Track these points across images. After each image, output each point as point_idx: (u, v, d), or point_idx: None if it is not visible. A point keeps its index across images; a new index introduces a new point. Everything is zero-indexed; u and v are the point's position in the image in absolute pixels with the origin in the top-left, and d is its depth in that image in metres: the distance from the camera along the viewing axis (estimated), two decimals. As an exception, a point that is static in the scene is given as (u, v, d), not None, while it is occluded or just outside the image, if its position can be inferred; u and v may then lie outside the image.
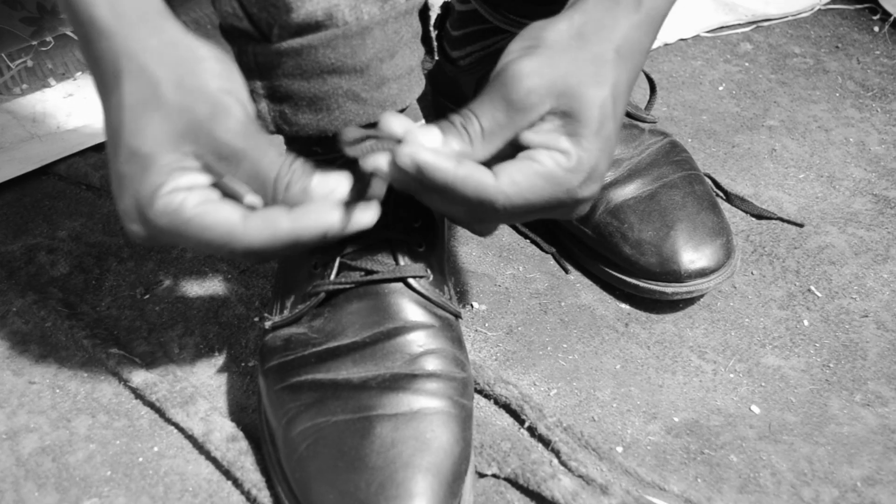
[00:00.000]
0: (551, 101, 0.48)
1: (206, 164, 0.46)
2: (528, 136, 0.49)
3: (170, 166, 0.45)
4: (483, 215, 0.50)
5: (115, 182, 0.47)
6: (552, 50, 0.48)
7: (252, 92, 0.53)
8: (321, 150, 0.57)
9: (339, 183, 0.48)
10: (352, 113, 0.53)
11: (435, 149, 0.48)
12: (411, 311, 0.58)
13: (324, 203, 0.48)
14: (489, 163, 0.49)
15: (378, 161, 0.48)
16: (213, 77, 0.46)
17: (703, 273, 0.70)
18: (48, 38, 0.94)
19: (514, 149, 0.49)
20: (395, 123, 0.49)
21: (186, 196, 0.46)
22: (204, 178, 0.47)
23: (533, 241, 0.79)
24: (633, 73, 0.51)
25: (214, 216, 0.46)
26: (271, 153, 0.47)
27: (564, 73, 0.48)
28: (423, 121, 0.60)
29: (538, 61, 0.48)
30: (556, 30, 0.49)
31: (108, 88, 0.46)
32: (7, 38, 0.91)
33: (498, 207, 0.48)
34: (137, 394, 0.64)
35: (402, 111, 0.57)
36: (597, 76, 0.48)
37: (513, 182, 0.48)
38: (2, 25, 0.90)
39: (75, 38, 0.95)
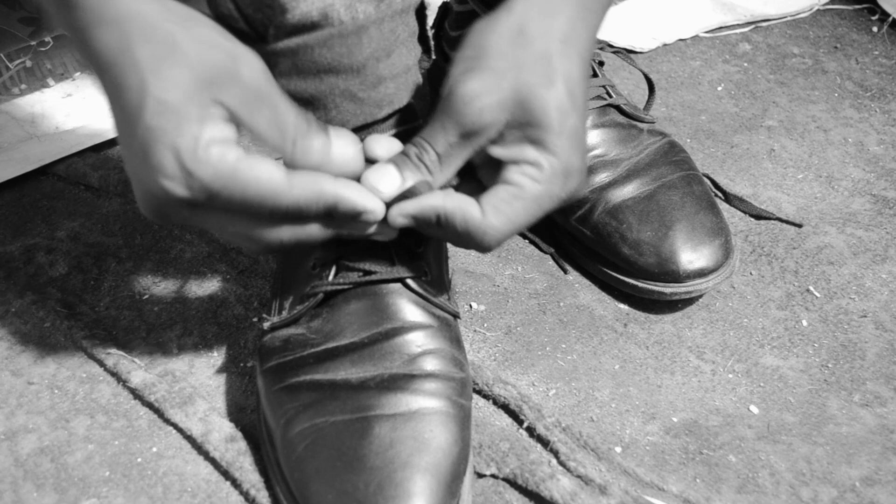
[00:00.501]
0: (506, 114, 0.48)
1: (231, 112, 0.45)
2: (495, 150, 0.49)
3: (201, 115, 0.44)
4: (478, 244, 0.51)
5: (144, 141, 0.44)
6: (496, 59, 0.48)
7: None
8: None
9: (356, 152, 0.49)
10: (349, 112, 0.53)
11: (414, 190, 0.50)
12: (410, 311, 0.58)
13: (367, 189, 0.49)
14: (468, 173, 0.51)
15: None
16: (222, 32, 0.45)
17: (701, 273, 0.70)
18: (47, 39, 0.94)
19: (485, 159, 0.50)
20: (377, 148, 0.51)
21: (225, 149, 0.44)
22: (230, 131, 0.45)
23: (532, 242, 0.79)
24: (584, 57, 0.50)
25: (260, 169, 0.45)
26: (287, 101, 0.47)
27: (513, 83, 0.47)
28: (420, 121, 0.60)
29: (484, 78, 0.47)
30: (496, 33, 0.48)
31: (114, 55, 0.44)
32: (5, 38, 0.91)
33: (490, 239, 0.50)
34: (136, 394, 0.64)
35: (400, 110, 0.57)
36: (546, 75, 0.48)
37: (497, 212, 0.49)
38: (0, 26, 0.90)
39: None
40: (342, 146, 0.48)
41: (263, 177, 0.45)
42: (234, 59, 0.44)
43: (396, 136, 0.57)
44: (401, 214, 0.50)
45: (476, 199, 0.50)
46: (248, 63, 0.45)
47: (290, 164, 0.47)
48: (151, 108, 0.43)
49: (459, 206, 0.50)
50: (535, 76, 0.48)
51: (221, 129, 0.44)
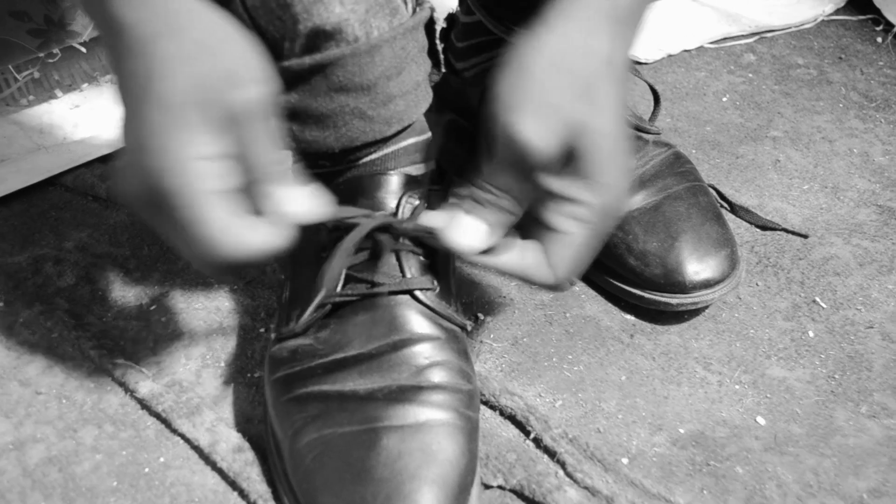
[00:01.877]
0: (557, 141, 0.47)
1: (221, 125, 0.44)
2: (547, 181, 0.48)
3: (197, 122, 0.43)
4: (548, 290, 0.52)
5: (143, 126, 0.44)
6: (546, 92, 0.46)
7: None
8: (329, 163, 0.57)
9: (298, 202, 0.48)
10: (358, 130, 0.53)
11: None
12: (417, 323, 0.58)
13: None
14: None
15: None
16: (246, 46, 0.45)
17: (707, 284, 0.70)
18: (55, 50, 0.95)
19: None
20: (435, 220, 0.52)
21: (206, 170, 0.44)
22: (219, 146, 0.44)
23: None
24: (622, 76, 0.49)
25: (220, 214, 0.44)
26: (269, 139, 0.45)
27: (565, 117, 0.46)
28: (428, 134, 0.60)
29: (538, 116, 0.46)
30: (541, 59, 0.47)
31: (136, 48, 0.44)
32: (14, 49, 0.92)
33: (560, 289, 0.52)
34: (143, 404, 0.64)
35: (408, 126, 0.57)
36: (595, 103, 0.47)
37: (560, 259, 0.50)
38: (9, 37, 0.91)
39: (83, 50, 0.95)
40: (296, 205, 0.47)
41: (219, 223, 0.44)
42: (244, 71, 0.44)
43: (405, 148, 0.57)
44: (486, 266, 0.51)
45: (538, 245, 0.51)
46: (257, 82, 0.44)
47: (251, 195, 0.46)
48: (153, 101, 0.43)
49: (534, 264, 0.50)
50: (585, 104, 0.46)
51: (207, 143, 0.44)
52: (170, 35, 0.43)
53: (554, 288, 0.52)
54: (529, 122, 0.46)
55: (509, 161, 0.47)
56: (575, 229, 0.49)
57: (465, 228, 0.50)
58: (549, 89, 0.46)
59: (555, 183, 0.48)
